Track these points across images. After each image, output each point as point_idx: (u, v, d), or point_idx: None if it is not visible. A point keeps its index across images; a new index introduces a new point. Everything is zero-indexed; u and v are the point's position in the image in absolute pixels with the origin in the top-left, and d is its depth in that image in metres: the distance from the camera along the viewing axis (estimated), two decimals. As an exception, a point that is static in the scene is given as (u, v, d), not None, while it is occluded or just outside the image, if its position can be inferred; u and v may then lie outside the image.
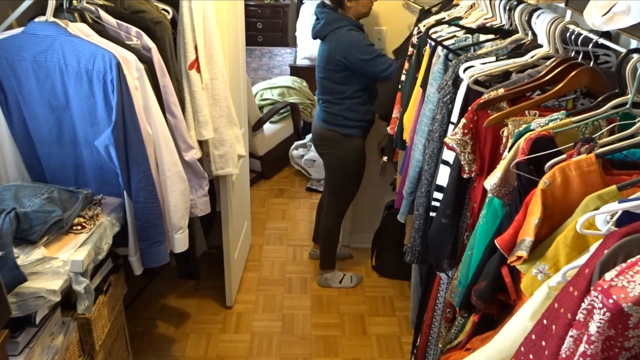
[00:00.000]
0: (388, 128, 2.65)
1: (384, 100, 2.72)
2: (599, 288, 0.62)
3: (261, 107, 4.25)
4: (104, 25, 1.86)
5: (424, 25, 2.26)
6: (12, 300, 1.35)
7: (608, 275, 0.63)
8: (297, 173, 4.30)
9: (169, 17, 2.11)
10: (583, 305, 0.65)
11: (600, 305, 0.62)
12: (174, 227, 1.98)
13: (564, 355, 0.67)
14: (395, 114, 2.51)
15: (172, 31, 2.09)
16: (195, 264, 2.78)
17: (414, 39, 2.34)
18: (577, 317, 0.66)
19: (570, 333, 0.67)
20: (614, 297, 0.61)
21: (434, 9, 2.50)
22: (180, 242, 2.03)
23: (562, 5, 1.45)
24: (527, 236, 0.95)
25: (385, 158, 2.72)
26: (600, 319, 0.62)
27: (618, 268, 0.63)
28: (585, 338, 0.64)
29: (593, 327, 0.62)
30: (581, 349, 0.64)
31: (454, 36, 1.88)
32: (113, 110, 1.66)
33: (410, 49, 2.41)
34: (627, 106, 1.08)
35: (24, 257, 1.48)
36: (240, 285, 2.98)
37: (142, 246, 1.88)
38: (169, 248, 2.01)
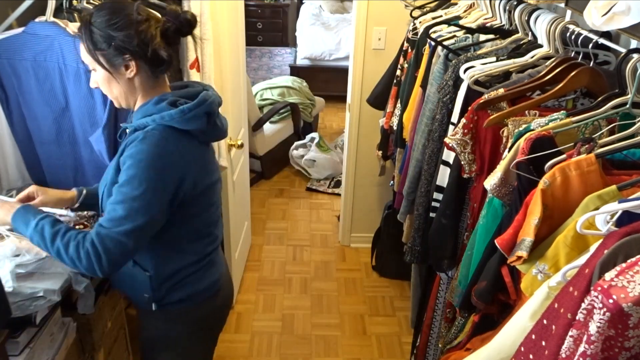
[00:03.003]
0: (381, 120, 2.65)
1: (375, 91, 2.73)
2: (599, 288, 0.62)
3: (261, 107, 4.25)
4: (103, 25, 1.86)
5: (420, 22, 2.26)
6: (12, 300, 1.35)
7: (608, 275, 0.63)
8: (297, 173, 4.30)
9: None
10: (583, 305, 0.65)
11: (600, 305, 0.62)
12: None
13: (564, 355, 0.67)
14: (390, 108, 2.52)
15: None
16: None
17: (410, 34, 2.35)
18: (577, 317, 0.66)
19: (570, 333, 0.67)
20: (614, 297, 0.61)
21: (427, 7, 2.50)
22: None
23: (562, 5, 1.46)
24: (527, 236, 0.95)
25: (380, 152, 2.72)
26: (600, 319, 0.61)
27: (618, 268, 0.63)
28: (585, 338, 0.64)
29: (593, 327, 0.62)
30: (581, 349, 0.64)
31: (454, 36, 1.88)
32: (106, 108, 1.66)
33: (406, 44, 2.41)
34: (627, 106, 1.08)
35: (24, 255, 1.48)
36: (240, 285, 2.98)
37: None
38: None
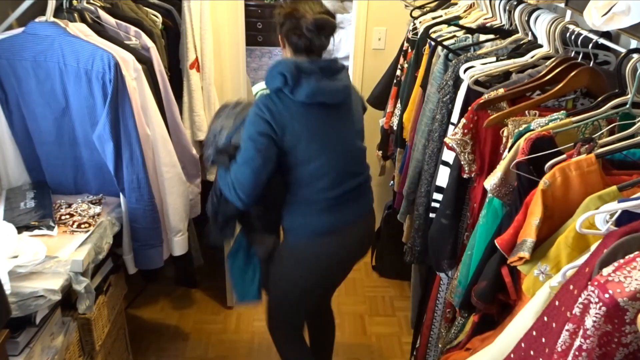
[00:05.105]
0: (381, 121, 2.65)
1: (375, 91, 2.73)
2: (596, 283, 0.63)
3: (261, 108, 4.24)
4: (103, 25, 1.86)
5: (420, 22, 2.26)
6: (12, 300, 1.35)
7: (605, 271, 0.63)
8: (297, 173, 4.29)
9: (159, 22, 2.11)
10: (579, 300, 0.65)
11: (597, 299, 0.62)
12: (173, 229, 1.97)
13: (559, 349, 0.67)
14: (390, 108, 2.52)
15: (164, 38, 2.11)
16: (193, 272, 2.79)
17: (410, 34, 2.35)
18: (573, 311, 0.66)
19: (566, 327, 0.66)
20: (610, 291, 0.61)
21: (427, 7, 2.50)
22: (179, 244, 2.01)
23: (562, 5, 1.46)
24: (529, 237, 0.95)
25: (380, 152, 2.72)
26: (596, 314, 0.61)
27: (616, 264, 0.64)
28: (581, 332, 0.64)
29: (589, 322, 0.62)
30: (577, 343, 0.64)
31: (454, 36, 1.88)
32: (105, 108, 1.66)
33: (406, 44, 2.41)
34: (627, 106, 1.08)
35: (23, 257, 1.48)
36: (241, 285, 2.98)
37: (134, 246, 1.88)
38: (169, 251, 2.00)
